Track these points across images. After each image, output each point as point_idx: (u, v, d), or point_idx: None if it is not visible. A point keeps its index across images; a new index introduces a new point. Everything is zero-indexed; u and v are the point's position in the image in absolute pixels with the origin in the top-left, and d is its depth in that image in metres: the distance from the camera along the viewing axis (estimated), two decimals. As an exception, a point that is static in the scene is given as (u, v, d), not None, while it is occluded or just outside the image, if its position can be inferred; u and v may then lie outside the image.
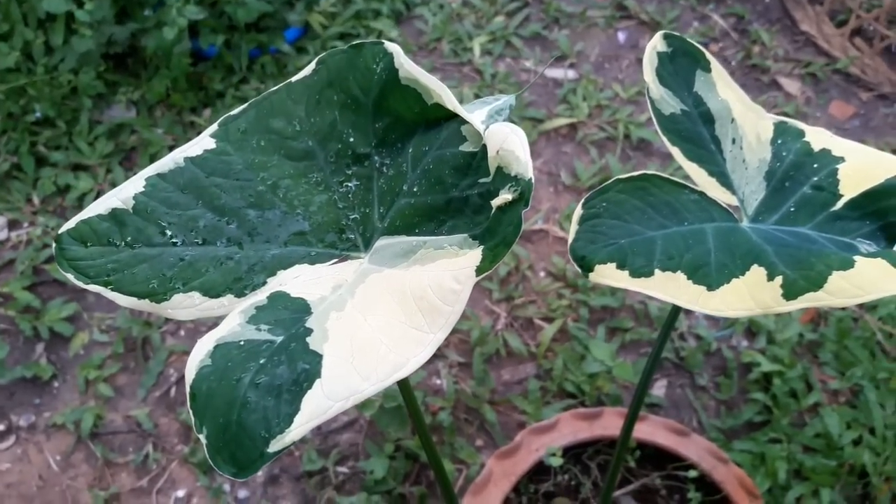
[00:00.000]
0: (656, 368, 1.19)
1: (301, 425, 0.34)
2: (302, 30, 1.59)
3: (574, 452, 0.94)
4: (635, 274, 0.47)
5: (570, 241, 0.48)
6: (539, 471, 0.92)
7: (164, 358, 1.20)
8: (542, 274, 1.28)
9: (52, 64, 1.43)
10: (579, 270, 0.47)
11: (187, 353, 1.21)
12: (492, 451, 1.10)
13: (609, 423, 0.93)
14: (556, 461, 0.89)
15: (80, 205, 1.37)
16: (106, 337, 1.22)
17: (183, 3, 1.37)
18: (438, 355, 1.19)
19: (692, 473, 0.89)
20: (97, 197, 1.37)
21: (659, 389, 1.17)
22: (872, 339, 1.18)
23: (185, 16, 1.36)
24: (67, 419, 1.14)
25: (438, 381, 1.17)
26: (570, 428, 0.93)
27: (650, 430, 0.93)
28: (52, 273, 1.28)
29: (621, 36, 1.62)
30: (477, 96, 1.50)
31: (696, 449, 0.91)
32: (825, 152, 0.57)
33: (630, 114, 1.46)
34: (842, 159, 0.56)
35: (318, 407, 0.34)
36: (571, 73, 1.55)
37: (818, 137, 0.58)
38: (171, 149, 1.43)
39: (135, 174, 1.28)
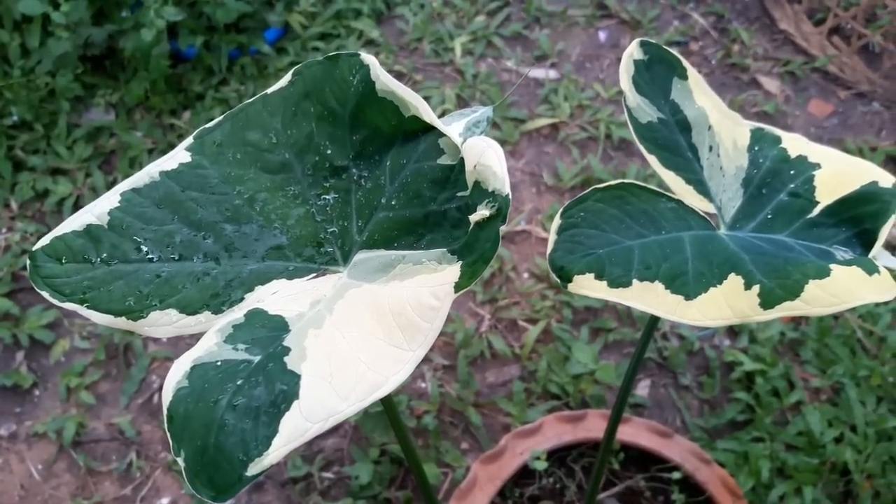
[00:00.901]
0: (640, 369, 1.20)
1: (279, 448, 0.34)
2: (282, 30, 1.58)
3: (558, 455, 0.94)
4: (613, 284, 0.47)
5: (548, 251, 0.48)
6: (524, 474, 0.92)
7: (146, 364, 1.19)
8: (525, 275, 1.29)
9: (29, 66, 1.41)
10: (558, 281, 0.47)
11: (170, 359, 1.20)
12: (477, 454, 1.10)
13: (593, 426, 0.94)
14: (541, 465, 0.89)
15: (59, 210, 1.35)
16: (87, 344, 1.21)
17: (161, 4, 1.35)
18: (422, 358, 1.18)
19: (676, 475, 0.90)
20: (76, 201, 1.36)
21: (642, 389, 1.18)
22: (853, 337, 1.19)
23: (164, 17, 1.35)
24: (49, 428, 1.13)
25: (423, 385, 1.17)
26: (555, 431, 0.93)
27: (634, 432, 0.93)
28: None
29: (602, 35, 1.62)
30: (458, 97, 1.50)
31: (679, 450, 0.91)
32: (802, 159, 0.57)
33: (611, 113, 1.46)
34: (818, 166, 0.56)
35: (296, 429, 0.34)
36: (553, 73, 1.55)
37: (795, 144, 0.58)
38: (150, 152, 1.42)
39: (114, 178, 1.27)
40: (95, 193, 1.36)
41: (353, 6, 1.63)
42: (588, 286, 0.47)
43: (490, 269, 1.27)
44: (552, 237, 0.49)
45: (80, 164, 1.40)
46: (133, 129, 1.45)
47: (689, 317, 0.46)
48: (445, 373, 1.18)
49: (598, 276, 0.47)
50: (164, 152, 1.40)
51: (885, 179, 0.55)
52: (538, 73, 1.56)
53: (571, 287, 0.47)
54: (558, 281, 0.47)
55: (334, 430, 1.13)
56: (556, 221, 0.49)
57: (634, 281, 0.47)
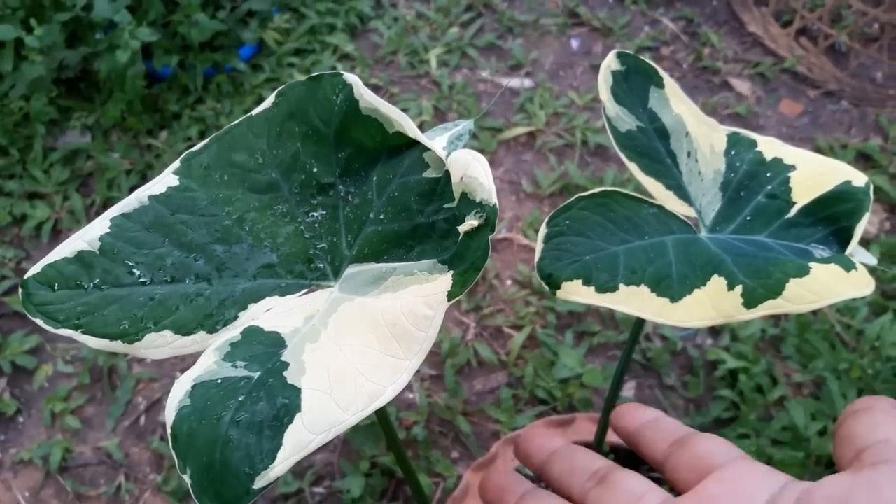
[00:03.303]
0: (627, 370, 1.21)
1: (284, 460, 0.34)
2: (256, 47, 1.58)
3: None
4: (601, 289, 0.48)
5: (536, 259, 0.49)
6: (515, 480, 0.93)
7: (131, 386, 1.18)
8: (508, 282, 1.30)
9: (3, 91, 1.40)
10: (547, 289, 0.48)
11: (155, 380, 1.20)
12: (468, 463, 1.10)
13: (582, 429, 0.94)
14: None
15: (37, 234, 1.35)
16: (71, 368, 1.20)
17: (135, 26, 1.35)
18: (409, 369, 1.19)
19: (665, 474, 0.91)
20: (55, 225, 1.35)
21: (628, 391, 1.19)
22: (832, 332, 1.21)
23: (138, 38, 1.35)
24: (35, 454, 1.12)
25: (411, 396, 1.17)
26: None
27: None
28: (12, 305, 1.25)
29: (574, 43, 1.64)
30: (435, 108, 1.51)
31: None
32: (777, 161, 0.58)
33: (586, 120, 1.48)
34: (793, 167, 0.58)
35: (300, 441, 0.35)
36: (527, 82, 1.57)
37: (770, 147, 0.59)
38: (128, 173, 1.41)
39: (93, 200, 1.26)
40: (74, 216, 1.36)
41: (327, 21, 1.64)
42: (576, 292, 0.48)
43: (473, 278, 1.27)
44: (539, 245, 0.50)
45: (58, 188, 1.39)
46: (110, 151, 1.45)
47: (676, 319, 0.47)
48: (433, 383, 1.19)
49: (586, 282, 0.48)
50: (141, 173, 1.40)
51: (858, 178, 0.56)
52: (513, 82, 1.57)
53: (560, 294, 0.48)
54: (547, 288, 0.48)
55: (324, 445, 1.13)
56: (543, 230, 0.50)
57: (621, 286, 0.48)
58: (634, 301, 0.48)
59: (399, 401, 1.17)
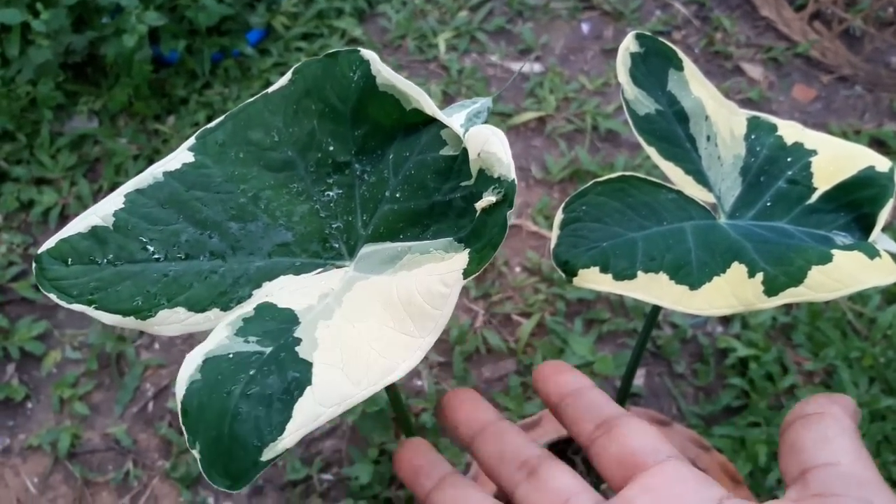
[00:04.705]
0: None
1: (293, 432, 0.34)
2: (264, 31, 1.57)
3: (559, 448, 0.94)
4: (619, 277, 0.47)
5: (552, 245, 0.48)
6: (526, 466, 0.92)
7: (139, 373, 1.18)
8: (517, 269, 1.29)
9: (9, 76, 1.39)
10: (563, 276, 0.47)
11: (163, 366, 1.20)
12: (476, 449, 1.10)
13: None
14: (543, 456, 0.89)
15: (45, 220, 1.34)
16: (79, 354, 1.20)
17: (142, 10, 1.34)
18: (418, 355, 1.18)
19: (677, 461, 0.90)
20: (62, 211, 1.35)
21: (638, 379, 1.18)
22: (843, 320, 1.20)
23: (145, 22, 1.34)
24: (43, 440, 1.12)
25: (419, 383, 1.17)
26: (554, 424, 0.93)
27: (633, 420, 0.93)
28: (20, 291, 1.25)
29: (585, 27, 1.63)
30: (444, 92, 1.50)
31: (678, 438, 0.92)
32: (798, 146, 0.57)
33: (597, 105, 1.47)
34: (814, 152, 0.57)
35: (310, 413, 0.34)
36: (537, 67, 1.56)
37: (790, 131, 0.58)
38: (135, 158, 1.41)
39: (100, 186, 1.26)
40: (81, 202, 1.35)
41: (335, 5, 1.62)
42: (593, 280, 0.47)
43: (482, 265, 1.27)
44: (555, 232, 0.49)
45: (65, 173, 1.38)
46: (117, 136, 1.44)
47: (695, 307, 0.46)
48: (442, 370, 1.18)
49: (603, 270, 0.47)
50: (149, 158, 1.39)
51: (881, 164, 0.55)
52: (523, 67, 1.56)
53: (577, 281, 0.47)
54: (563, 275, 0.47)
55: (332, 432, 1.13)
56: (559, 216, 0.49)
57: (639, 273, 0.47)
58: (653, 289, 0.47)
59: (407, 388, 1.16)
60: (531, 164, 1.41)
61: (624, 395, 0.71)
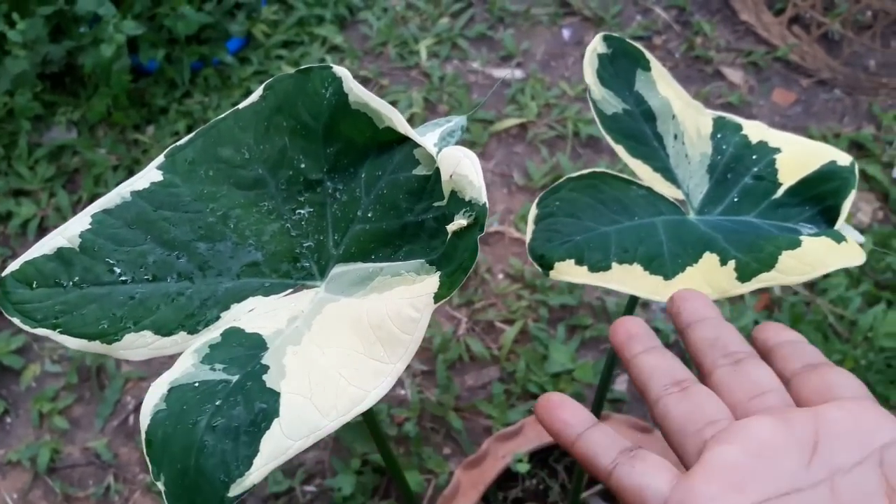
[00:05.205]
0: (617, 364, 1.20)
1: (261, 467, 0.33)
2: (244, 40, 1.57)
3: (541, 457, 0.94)
4: (594, 268, 0.48)
5: (527, 240, 0.49)
6: (507, 477, 0.92)
7: (119, 386, 1.17)
8: (500, 276, 1.29)
9: (-14, 87, 1.38)
10: (539, 270, 0.48)
11: (144, 379, 1.18)
12: (460, 459, 1.09)
13: (575, 424, 0.94)
14: (523, 467, 0.89)
15: (23, 232, 1.33)
16: (58, 367, 1.19)
17: (120, 19, 1.33)
18: (401, 364, 1.18)
19: (659, 469, 0.90)
20: (41, 223, 1.33)
21: (621, 384, 1.18)
22: (824, 322, 1.21)
23: (123, 31, 1.33)
24: (23, 455, 1.10)
25: (402, 392, 1.16)
26: (535, 432, 0.93)
27: (614, 428, 0.93)
28: (-2, 303, 1.24)
29: (566, 33, 1.63)
30: (426, 100, 1.50)
31: (659, 445, 0.92)
32: (762, 144, 0.58)
33: (578, 111, 1.47)
34: (778, 150, 0.58)
35: (277, 447, 0.34)
36: (519, 73, 1.56)
37: (755, 130, 0.59)
38: (115, 168, 1.39)
39: (79, 197, 1.24)
40: (60, 213, 1.34)
41: (315, 13, 1.62)
42: (569, 272, 0.48)
43: (465, 272, 1.26)
44: (530, 227, 0.49)
45: (44, 185, 1.37)
46: (96, 147, 1.43)
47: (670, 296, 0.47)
48: (425, 378, 1.18)
49: (579, 262, 0.48)
50: (129, 168, 1.38)
51: (842, 158, 0.57)
52: (504, 73, 1.56)
53: (553, 274, 0.48)
54: (540, 269, 0.48)
55: (315, 444, 1.12)
56: (533, 211, 0.50)
57: (614, 264, 0.48)
58: (628, 279, 0.48)
59: (390, 397, 1.16)
60: (513, 170, 1.41)
61: (600, 401, 0.71)
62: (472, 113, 0.49)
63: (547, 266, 0.48)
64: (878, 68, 1.56)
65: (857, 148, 1.42)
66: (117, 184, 0.43)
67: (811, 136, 1.42)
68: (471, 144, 1.43)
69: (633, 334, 0.39)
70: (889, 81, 1.52)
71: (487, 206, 0.37)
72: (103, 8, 1.32)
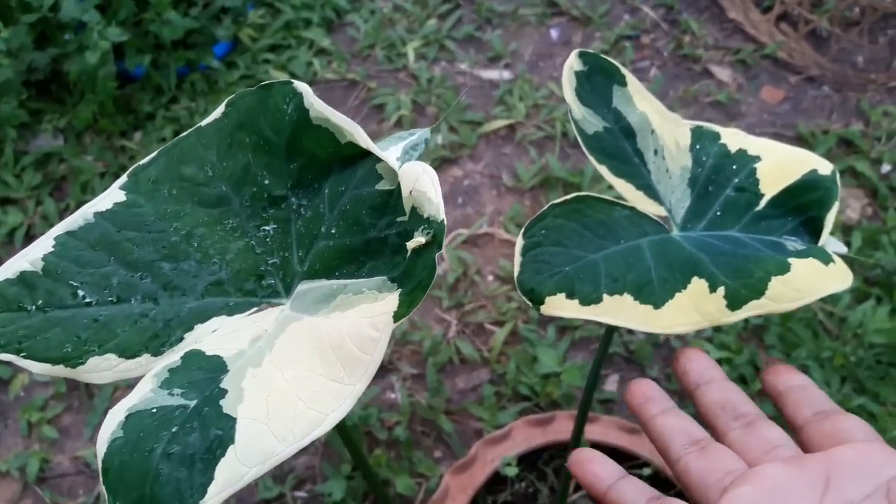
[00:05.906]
0: (607, 364, 1.20)
1: (216, 495, 0.33)
2: (231, 44, 1.56)
3: (529, 460, 0.94)
4: (585, 302, 0.47)
5: (515, 273, 0.48)
6: (495, 481, 0.92)
7: (108, 395, 1.17)
8: (490, 278, 1.28)
9: (-28, 96, 1.38)
10: (529, 304, 0.47)
11: (133, 387, 1.18)
12: (450, 462, 1.09)
13: (562, 427, 0.94)
14: (512, 471, 0.89)
15: (10, 240, 1.32)
16: (47, 377, 1.19)
17: (104, 25, 1.33)
18: (391, 369, 1.18)
19: (646, 471, 0.90)
20: (28, 231, 1.33)
21: (611, 385, 1.18)
22: (814, 320, 1.21)
23: (108, 38, 1.32)
24: (11, 465, 1.10)
25: (393, 395, 1.16)
26: (524, 435, 0.93)
27: (602, 430, 0.93)
28: (-14, 313, 1.23)
29: (554, 33, 1.62)
30: (414, 102, 1.49)
31: (649, 446, 0.92)
32: (742, 153, 0.58)
33: (566, 112, 1.46)
34: (758, 158, 0.57)
35: (232, 474, 0.33)
36: (507, 74, 1.55)
37: (733, 139, 0.59)
38: (102, 175, 1.39)
39: (67, 204, 1.24)
40: (47, 221, 1.34)
41: (302, 16, 1.61)
42: (560, 306, 0.47)
43: (455, 274, 1.26)
44: (517, 259, 0.48)
45: (30, 193, 1.37)
46: (83, 154, 1.42)
47: (661, 325, 0.47)
48: (415, 382, 1.18)
49: (569, 296, 0.47)
50: (116, 175, 1.38)
51: (823, 167, 0.56)
52: (492, 74, 1.55)
53: (544, 309, 0.46)
54: (530, 304, 0.47)
55: (305, 448, 1.12)
56: (519, 241, 0.48)
57: (605, 296, 0.47)
58: (619, 311, 0.47)
59: (381, 401, 1.16)
60: (502, 171, 1.40)
61: (586, 404, 0.70)
62: (435, 126, 0.48)
63: (537, 301, 0.47)
64: (865, 64, 1.56)
65: (845, 144, 1.42)
66: (104, 190, 0.43)
67: (800, 133, 1.42)
68: (459, 146, 1.43)
69: (649, 397, 0.42)
70: (877, 77, 1.52)
71: (445, 223, 0.36)
72: (88, 15, 1.31)
